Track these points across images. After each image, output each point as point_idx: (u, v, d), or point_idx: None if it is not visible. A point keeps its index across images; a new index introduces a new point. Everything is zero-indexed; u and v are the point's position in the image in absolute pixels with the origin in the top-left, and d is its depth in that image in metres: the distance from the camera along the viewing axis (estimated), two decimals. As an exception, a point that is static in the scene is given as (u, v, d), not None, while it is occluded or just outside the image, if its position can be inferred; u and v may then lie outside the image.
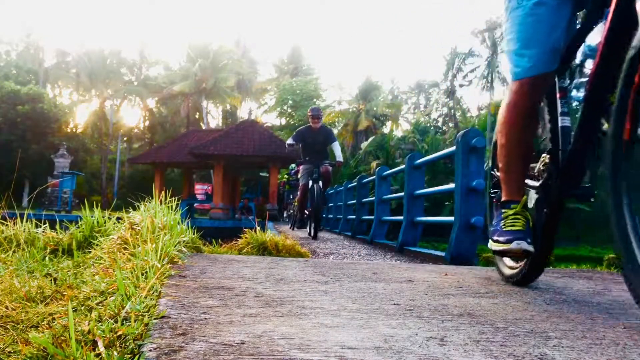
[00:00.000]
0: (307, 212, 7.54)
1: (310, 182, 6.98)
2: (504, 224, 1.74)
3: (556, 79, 1.73)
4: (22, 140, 27.64)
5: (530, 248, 1.67)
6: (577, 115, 1.59)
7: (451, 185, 4.38)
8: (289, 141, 7.29)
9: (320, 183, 6.86)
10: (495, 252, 1.81)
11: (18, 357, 1.06)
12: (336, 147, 7.45)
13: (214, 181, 22.19)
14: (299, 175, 7.45)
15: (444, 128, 43.76)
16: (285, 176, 15.33)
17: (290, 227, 10.87)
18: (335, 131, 12.96)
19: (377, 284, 1.85)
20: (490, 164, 2.24)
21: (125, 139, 42.80)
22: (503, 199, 1.82)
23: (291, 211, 12.95)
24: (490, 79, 33.70)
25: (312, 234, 7.21)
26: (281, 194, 20.36)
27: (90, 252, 2.40)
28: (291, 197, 14.00)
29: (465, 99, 76.37)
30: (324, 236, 8.54)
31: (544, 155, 1.80)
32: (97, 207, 3.07)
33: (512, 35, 1.65)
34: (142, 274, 1.58)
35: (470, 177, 3.95)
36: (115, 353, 0.95)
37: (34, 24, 52.18)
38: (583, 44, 1.61)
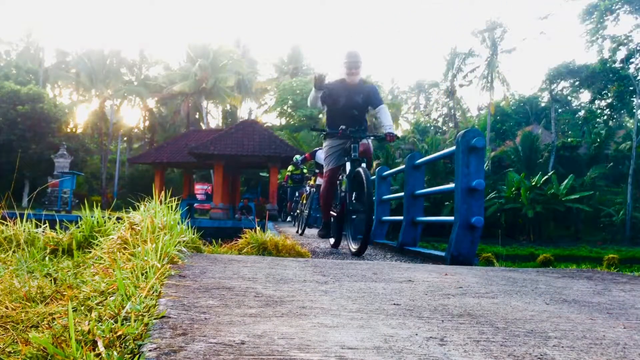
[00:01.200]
0: (334, 213, 4.93)
1: (348, 166, 4.45)
2: None
3: None
4: (22, 140, 27.63)
5: None
6: None
7: (451, 185, 4.38)
8: (314, 98, 4.59)
9: (362, 171, 4.27)
10: None
11: (18, 357, 1.06)
12: (385, 113, 4.69)
13: (214, 181, 22.18)
14: (324, 156, 4.85)
15: (444, 128, 43.76)
16: (289, 170, 13.38)
17: (297, 232, 8.58)
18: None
19: (377, 284, 1.85)
20: None
21: (125, 139, 42.80)
22: None
23: (297, 211, 10.60)
24: (490, 79, 33.66)
25: (352, 248, 4.49)
26: (281, 194, 20.33)
27: (90, 252, 2.40)
28: (296, 194, 12.27)
29: (465, 99, 76.35)
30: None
31: None
32: (97, 207, 3.07)
33: None
34: (142, 274, 1.58)
35: (470, 177, 3.95)
36: (115, 353, 0.95)
37: (34, 24, 52.15)
38: None
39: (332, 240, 5.24)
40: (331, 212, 5.01)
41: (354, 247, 4.47)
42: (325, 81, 4.50)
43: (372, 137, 4.76)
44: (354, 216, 4.56)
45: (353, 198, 4.44)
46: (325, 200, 4.94)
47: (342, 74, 4.69)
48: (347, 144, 4.58)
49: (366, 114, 4.84)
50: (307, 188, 9.18)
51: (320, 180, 8.00)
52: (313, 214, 10.85)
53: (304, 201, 9.09)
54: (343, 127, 4.45)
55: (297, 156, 14.15)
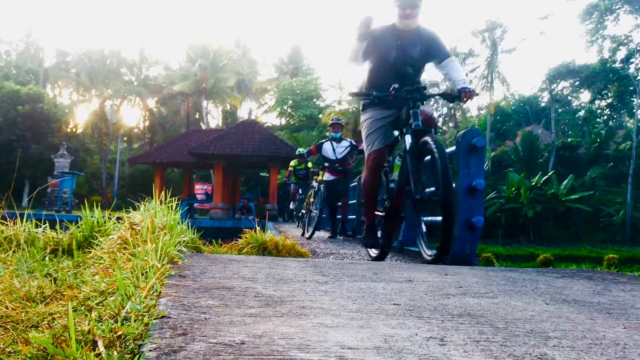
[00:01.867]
0: (380, 213, 3.77)
1: (408, 139, 3.18)
2: None
3: None
4: (22, 140, 27.64)
5: None
6: None
7: (451, 185, 4.37)
8: (356, 51, 3.35)
9: (431, 141, 3.01)
10: None
11: (18, 357, 1.06)
12: (455, 67, 3.44)
13: (214, 181, 22.19)
14: (364, 134, 3.54)
15: (444, 128, 43.72)
16: (291, 165, 11.69)
17: (303, 234, 7.92)
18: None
19: (377, 284, 1.85)
20: None
21: (125, 139, 42.79)
22: None
23: (302, 211, 9.47)
24: (490, 79, 33.62)
25: (426, 254, 3.42)
26: (282, 194, 20.30)
27: (90, 252, 2.40)
28: (300, 191, 11.21)
29: (465, 99, 76.01)
30: (324, 236, 8.35)
31: None
32: (97, 207, 3.07)
33: None
34: (142, 274, 1.58)
35: (471, 177, 3.95)
36: (115, 353, 0.95)
37: (34, 24, 52.27)
38: None
39: (374, 251, 3.91)
40: (377, 212, 3.75)
41: (427, 252, 3.26)
42: (371, 26, 3.26)
43: (439, 97, 3.62)
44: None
45: (419, 184, 3.16)
46: (370, 195, 3.64)
47: (392, 17, 3.31)
48: (401, 113, 3.30)
49: (422, 72, 3.51)
50: (315, 184, 8.15)
51: (328, 176, 7.47)
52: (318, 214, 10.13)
53: (312, 199, 8.05)
54: (396, 85, 3.21)
55: (301, 149, 12.04)
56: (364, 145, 3.62)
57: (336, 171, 7.34)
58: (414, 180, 3.17)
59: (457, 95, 3.34)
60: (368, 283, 1.87)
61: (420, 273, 2.26)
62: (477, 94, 3.33)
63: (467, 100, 3.35)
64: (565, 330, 1.21)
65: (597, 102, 33.52)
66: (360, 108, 3.60)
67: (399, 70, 3.35)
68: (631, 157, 25.59)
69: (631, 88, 28.13)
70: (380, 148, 3.47)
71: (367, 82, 3.56)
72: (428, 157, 3.24)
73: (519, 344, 1.07)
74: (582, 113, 38.37)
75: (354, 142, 7.56)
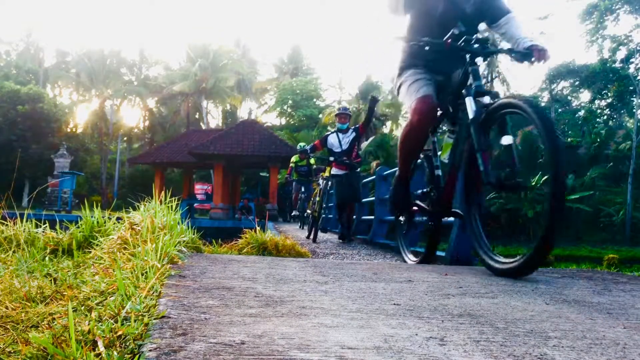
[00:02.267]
0: (423, 206, 3.08)
1: (470, 104, 2.43)
2: None
3: None
4: (22, 140, 27.64)
5: None
6: None
7: (451, 185, 4.36)
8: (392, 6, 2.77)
9: (523, 103, 2.15)
10: None
11: (18, 357, 1.06)
12: (516, 24, 2.74)
13: (214, 181, 22.19)
14: (404, 90, 2.82)
15: (445, 127, 43.68)
16: (292, 161, 10.84)
17: (308, 236, 7.52)
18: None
19: (377, 284, 1.85)
20: None
21: (125, 139, 42.78)
22: None
23: (307, 211, 8.55)
24: (490, 78, 33.62)
25: (497, 263, 2.23)
26: (281, 194, 20.30)
27: (90, 252, 2.40)
28: (302, 190, 10.38)
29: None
30: (323, 236, 8.32)
31: None
32: (97, 207, 3.07)
33: None
34: (142, 274, 1.58)
35: (470, 177, 3.94)
36: (115, 353, 0.95)
37: (34, 24, 52.37)
38: None
39: (411, 256, 3.30)
40: (417, 207, 3.03)
41: (500, 260, 2.24)
42: None
43: (505, 53, 2.65)
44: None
45: (489, 164, 2.33)
46: (408, 150, 2.83)
47: None
48: (454, 74, 2.73)
49: (477, 32, 2.71)
50: (321, 181, 7.46)
51: (336, 170, 6.85)
52: (325, 214, 9.12)
53: (318, 198, 7.33)
54: (455, 30, 2.57)
55: (302, 144, 11.12)
56: (404, 103, 2.89)
57: (343, 164, 6.74)
58: (483, 160, 2.31)
59: (528, 53, 2.56)
60: (368, 283, 1.87)
61: (420, 273, 2.26)
62: (549, 56, 2.58)
63: (539, 61, 2.54)
64: (565, 330, 1.21)
65: (597, 102, 33.52)
66: (397, 73, 2.92)
67: (446, 26, 2.63)
68: (631, 157, 25.59)
69: (631, 88, 28.12)
70: (427, 95, 2.64)
71: (408, 32, 2.88)
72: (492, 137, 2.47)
73: (519, 344, 1.07)
74: (582, 113, 38.35)
75: (356, 126, 6.95)
